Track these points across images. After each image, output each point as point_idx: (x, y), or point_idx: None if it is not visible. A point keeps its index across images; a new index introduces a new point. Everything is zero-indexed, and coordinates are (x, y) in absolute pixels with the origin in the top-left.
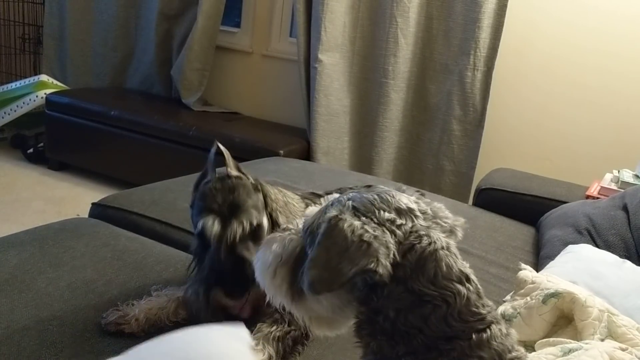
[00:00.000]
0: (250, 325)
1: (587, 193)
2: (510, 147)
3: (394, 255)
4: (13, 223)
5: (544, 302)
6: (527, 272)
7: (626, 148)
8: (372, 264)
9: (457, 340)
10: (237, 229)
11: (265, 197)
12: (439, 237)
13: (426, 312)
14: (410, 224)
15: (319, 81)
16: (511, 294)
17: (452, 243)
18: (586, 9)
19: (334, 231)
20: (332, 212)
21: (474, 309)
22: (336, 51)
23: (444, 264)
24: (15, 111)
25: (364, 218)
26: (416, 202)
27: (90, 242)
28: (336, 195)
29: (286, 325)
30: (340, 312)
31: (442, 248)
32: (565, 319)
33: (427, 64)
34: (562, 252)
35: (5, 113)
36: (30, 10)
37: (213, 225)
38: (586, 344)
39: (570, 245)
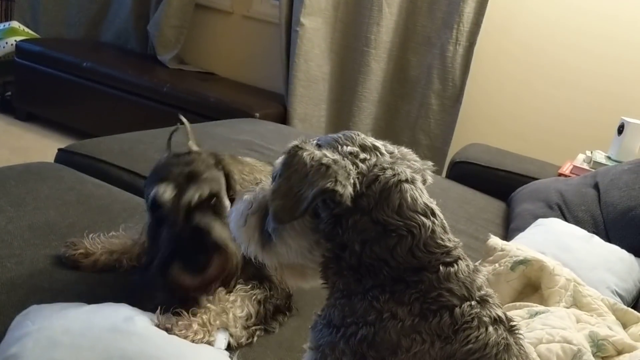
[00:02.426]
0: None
1: (560, 171)
2: (487, 123)
3: (355, 184)
4: None
5: (512, 269)
6: (496, 239)
7: (599, 130)
8: (330, 184)
9: (424, 272)
10: (194, 193)
11: (228, 178)
12: (404, 171)
13: (391, 243)
14: (374, 159)
15: (300, 46)
16: (479, 261)
17: (418, 178)
18: None
19: (294, 159)
20: (294, 143)
21: (439, 241)
22: (319, 16)
23: (408, 195)
24: None
25: (325, 150)
26: (383, 144)
27: (54, 186)
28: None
29: (268, 292)
30: (308, 254)
31: (407, 181)
32: (531, 287)
33: (410, 35)
34: (532, 225)
35: None
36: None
37: (165, 191)
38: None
39: (540, 219)
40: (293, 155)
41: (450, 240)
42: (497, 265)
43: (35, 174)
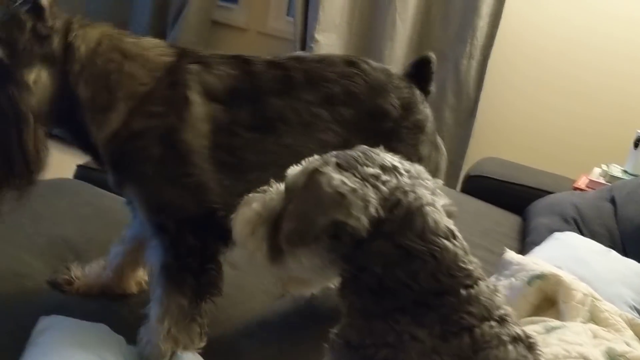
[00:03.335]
0: None
1: (575, 185)
2: (501, 137)
3: (377, 210)
4: None
5: (528, 283)
6: (512, 253)
7: (615, 143)
8: (343, 216)
9: (446, 295)
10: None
11: (68, 48)
12: (424, 194)
13: (415, 267)
14: (395, 181)
15: None
16: (495, 275)
17: (437, 200)
18: (583, 4)
19: (312, 183)
20: (313, 165)
21: (461, 264)
22: (333, 32)
23: (430, 219)
24: None
25: (345, 172)
26: (400, 162)
27: (72, 201)
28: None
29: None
30: (321, 272)
31: (428, 204)
32: (548, 301)
33: (424, 49)
34: (548, 239)
35: None
36: None
37: None
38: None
39: (556, 233)
40: (311, 179)
41: (471, 262)
42: (513, 279)
43: (54, 190)
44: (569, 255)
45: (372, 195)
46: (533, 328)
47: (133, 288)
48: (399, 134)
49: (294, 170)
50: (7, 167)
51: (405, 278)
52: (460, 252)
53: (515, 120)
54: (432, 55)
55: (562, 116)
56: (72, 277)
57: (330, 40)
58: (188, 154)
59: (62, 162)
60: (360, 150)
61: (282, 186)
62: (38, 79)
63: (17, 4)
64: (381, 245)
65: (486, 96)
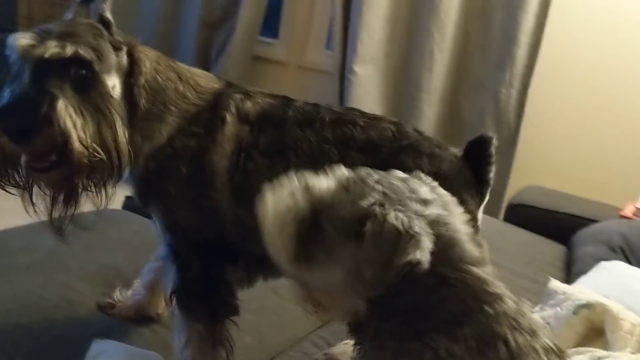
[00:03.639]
0: None
1: (621, 213)
2: (544, 165)
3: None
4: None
5: (574, 312)
6: (557, 283)
7: None
8: (419, 255)
9: (477, 314)
10: (52, 45)
11: (134, 63)
12: (458, 224)
13: (446, 293)
14: (434, 212)
15: (353, 92)
16: (540, 305)
17: (467, 228)
18: (627, 28)
19: (384, 227)
20: (369, 202)
21: (490, 290)
22: (371, 63)
23: (464, 248)
24: None
25: (400, 207)
26: (432, 191)
27: (122, 230)
28: (345, 171)
29: None
30: (346, 289)
31: (461, 233)
32: (595, 331)
33: (462, 79)
34: (594, 268)
35: None
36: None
37: (21, 38)
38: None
39: (602, 262)
40: (382, 222)
41: (498, 286)
42: (558, 309)
43: (105, 220)
44: (616, 285)
45: (429, 232)
46: (579, 358)
47: (163, 308)
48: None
49: (326, 186)
50: (103, 158)
51: (437, 302)
52: (488, 279)
53: (558, 148)
54: (491, 136)
55: (605, 143)
56: (114, 300)
57: (368, 72)
58: (212, 176)
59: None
60: (401, 181)
61: (321, 187)
62: (114, 86)
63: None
64: (420, 274)
65: (528, 124)
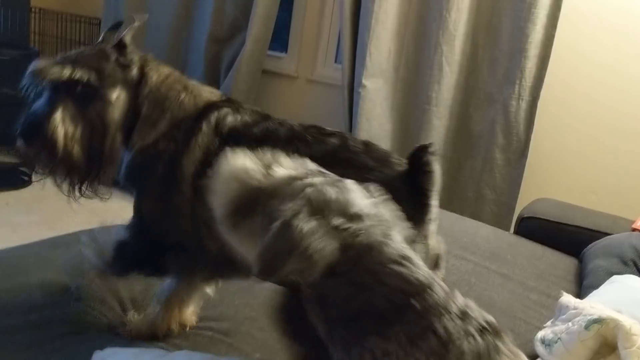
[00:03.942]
0: None
1: (634, 226)
2: (554, 177)
3: (335, 256)
4: (59, 233)
5: (586, 327)
6: (569, 297)
7: None
8: (309, 269)
9: (403, 310)
10: (56, 70)
11: (143, 76)
12: (376, 232)
13: (369, 297)
14: (354, 226)
15: (362, 106)
16: (552, 319)
17: (396, 235)
18: (636, 42)
19: (288, 230)
20: (289, 212)
21: (412, 279)
22: (380, 77)
23: (382, 250)
24: None
25: (316, 220)
26: (368, 206)
27: None
28: (312, 167)
29: None
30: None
31: (377, 241)
32: (608, 347)
33: (471, 92)
34: (606, 282)
35: None
36: (86, 30)
37: (37, 64)
38: None
39: (615, 276)
40: (287, 226)
41: (425, 276)
42: (570, 324)
43: (114, 237)
44: (629, 299)
45: (336, 246)
46: None
47: (175, 327)
48: None
49: (282, 174)
50: (89, 161)
51: (363, 307)
52: (408, 271)
53: (569, 160)
54: (429, 144)
55: (616, 155)
56: (126, 321)
57: (377, 85)
58: (181, 178)
59: (123, 208)
60: (335, 191)
61: (277, 171)
62: (119, 97)
63: (104, 42)
64: (335, 283)
65: (538, 136)
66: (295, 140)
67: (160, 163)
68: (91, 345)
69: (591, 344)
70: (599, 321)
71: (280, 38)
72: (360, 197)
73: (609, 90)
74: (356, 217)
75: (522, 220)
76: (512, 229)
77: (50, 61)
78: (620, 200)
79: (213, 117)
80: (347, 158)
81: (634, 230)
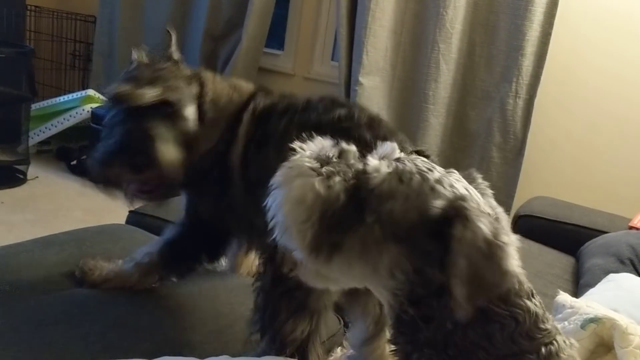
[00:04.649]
0: None
1: (630, 224)
2: (551, 175)
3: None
4: (53, 231)
5: (582, 327)
6: (565, 296)
7: None
8: (514, 267)
9: (525, 355)
10: (148, 91)
11: (202, 87)
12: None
13: (491, 330)
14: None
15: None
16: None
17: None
18: (631, 39)
19: (476, 236)
20: (446, 200)
21: (541, 325)
22: (377, 75)
23: (516, 280)
24: (62, 124)
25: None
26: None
27: (126, 246)
28: (390, 147)
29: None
30: (368, 284)
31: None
32: (604, 346)
33: (468, 90)
34: (603, 281)
35: (52, 125)
36: (82, 28)
37: (122, 86)
38: None
39: (611, 274)
40: (473, 230)
41: (548, 320)
42: (566, 323)
43: (108, 235)
44: (625, 298)
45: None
46: None
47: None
48: None
49: (378, 166)
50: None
51: (479, 339)
52: (540, 311)
53: (566, 158)
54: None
55: (614, 152)
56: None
57: (374, 83)
58: (232, 170)
59: (116, 208)
60: (460, 181)
61: (356, 166)
62: (191, 111)
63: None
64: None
65: (535, 134)
66: (309, 110)
67: (216, 162)
68: (84, 344)
69: (587, 343)
70: (595, 320)
71: (276, 35)
72: (466, 185)
73: (605, 88)
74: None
75: (518, 218)
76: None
77: (128, 84)
78: (618, 198)
79: (251, 106)
80: (346, 128)
81: (631, 228)
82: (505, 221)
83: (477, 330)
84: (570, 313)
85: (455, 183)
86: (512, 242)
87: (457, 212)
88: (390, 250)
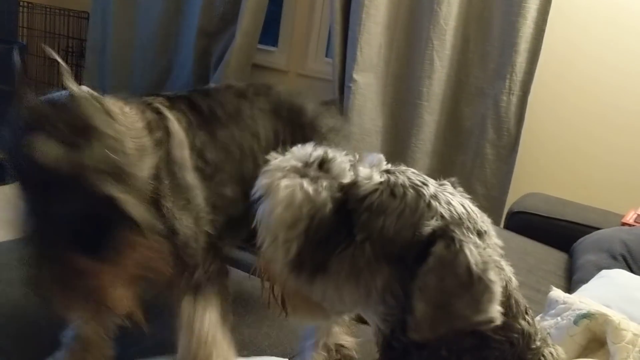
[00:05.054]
0: None
1: (623, 220)
2: (544, 172)
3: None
4: None
5: (575, 322)
6: (558, 292)
7: None
8: (492, 313)
9: None
10: (100, 154)
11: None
12: (508, 269)
13: (487, 354)
14: (489, 253)
15: (353, 101)
16: (541, 314)
17: (509, 266)
18: (625, 37)
19: (457, 260)
20: (437, 221)
21: (532, 345)
22: (371, 72)
23: (513, 301)
24: None
25: (471, 237)
26: (481, 218)
27: None
28: (376, 157)
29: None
30: (358, 310)
31: (510, 280)
32: (597, 342)
33: (462, 87)
34: (595, 277)
35: None
36: (75, 24)
37: (48, 145)
38: None
39: (604, 270)
40: (455, 252)
41: (537, 333)
42: (559, 318)
43: None
44: (618, 294)
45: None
46: None
47: None
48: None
49: (367, 175)
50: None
51: None
52: (532, 330)
53: (559, 154)
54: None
55: (607, 150)
56: None
57: (368, 79)
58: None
59: None
60: (464, 205)
61: (342, 178)
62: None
63: None
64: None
65: (528, 131)
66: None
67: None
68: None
69: (580, 339)
70: (588, 316)
71: (270, 32)
72: (469, 206)
73: (599, 84)
74: (481, 235)
75: (512, 214)
76: (502, 224)
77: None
78: (610, 194)
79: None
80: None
81: (623, 224)
82: (492, 231)
83: (473, 355)
84: (563, 309)
85: (452, 199)
86: (498, 281)
87: (443, 232)
88: (383, 272)
